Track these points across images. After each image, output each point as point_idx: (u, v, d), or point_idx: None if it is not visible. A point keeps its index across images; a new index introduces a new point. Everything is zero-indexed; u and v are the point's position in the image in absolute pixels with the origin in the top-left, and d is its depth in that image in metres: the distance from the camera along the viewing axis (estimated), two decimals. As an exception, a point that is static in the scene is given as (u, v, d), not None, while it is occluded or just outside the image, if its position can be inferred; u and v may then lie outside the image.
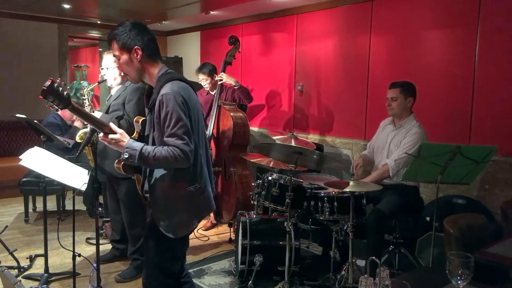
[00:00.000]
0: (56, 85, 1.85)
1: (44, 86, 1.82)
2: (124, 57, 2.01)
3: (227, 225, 4.43)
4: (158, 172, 2.01)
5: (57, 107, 1.89)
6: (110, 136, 1.97)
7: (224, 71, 4.34)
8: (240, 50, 4.48)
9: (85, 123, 3.26)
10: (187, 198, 2.01)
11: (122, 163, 2.01)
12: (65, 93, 1.88)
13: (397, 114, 3.27)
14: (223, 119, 4.22)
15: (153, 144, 1.99)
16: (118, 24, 2.04)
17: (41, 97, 1.83)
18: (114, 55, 2.06)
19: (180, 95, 1.91)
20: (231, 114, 4.15)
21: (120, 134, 1.97)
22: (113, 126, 2.00)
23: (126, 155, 1.92)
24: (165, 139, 1.91)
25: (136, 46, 1.98)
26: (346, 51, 4.45)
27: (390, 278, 1.41)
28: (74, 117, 5.00)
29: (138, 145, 1.93)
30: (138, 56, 1.99)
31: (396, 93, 3.23)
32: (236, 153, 4.14)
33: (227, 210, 4.26)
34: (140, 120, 2.11)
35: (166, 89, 1.92)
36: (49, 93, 1.83)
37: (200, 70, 4.39)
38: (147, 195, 2.09)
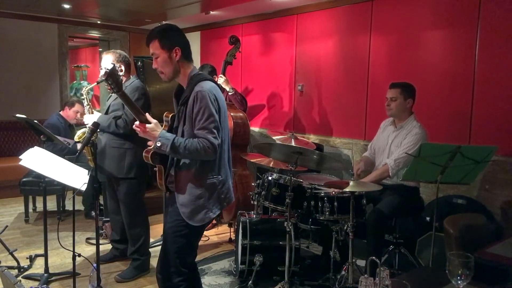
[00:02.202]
0: (116, 70, 2.09)
1: (107, 69, 2.06)
2: (164, 55, 2.15)
3: (227, 225, 4.43)
4: (185, 163, 2.16)
5: (113, 90, 2.09)
6: (146, 125, 2.12)
7: (224, 71, 4.36)
8: (240, 50, 4.49)
9: (86, 123, 3.29)
10: (210, 188, 2.16)
11: (151, 152, 2.17)
12: (119, 79, 2.11)
13: (395, 114, 3.26)
14: None
15: (182, 136, 2.14)
16: (157, 26, 2.21)
17: (104, 77, 2.06)
18: (152, 54, 2.18)
19: (212, 93, 2.10)
20: (231, 113, 4.15)
21: (154, 124, 2.13)
22: (148, 116, 2.16)
23: (158, 143, 2.07)
24: (196, 131, 2.07)
25: (176, 47, 2.14)
26: (346, 51, 4.45)
27: (390, 278, 1.41)
28: (78, 115, 4.99)
29: (171, 135, 2.10)
30: (177, 56, 2.15)
31: (396, 93, 3.22)
32: (236, 153, 4.13)
33: (227, 210, 4.25)
34: (170, 115, 2.27)
35: (200, 87, 2.09)
36: (111, 76, 2.04)
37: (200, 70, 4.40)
38: (171, 185, 2.23)
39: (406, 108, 3.24)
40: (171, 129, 2.24)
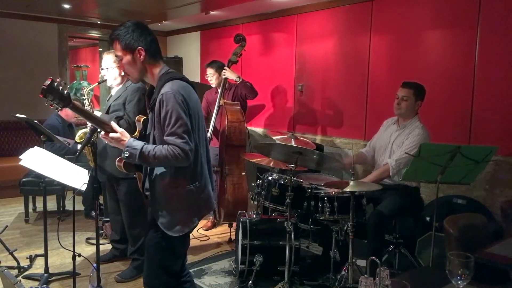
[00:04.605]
0: (56, 84, 1.87)
1: (44, 85, 1.85)
2: (127, 57, 2.02)
3: (227, 225, 4.42)
4: (159, 170, 2.03)
5: (57, 106, 1.91)
6: (111, 135, 2.00)
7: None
8: (245, 49, 4.43)
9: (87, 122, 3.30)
10: (187, 196, 2.03)
11: (123, 161, 2.03)
12: (65, 92, 1.90)
13: (404, 114, 3.24)
14: (223, 119, 4.21)
15: (154, 142, 2.02)
16: (119, 25, 2.05)
17: (41, 95, 1.85)
18: (116, 56, 2.06)
19: (180, 94, 1.93)
20: (228, 114, 4.11)
21: (120, 133, 2.00)
22: (114, 125, 2.02)
23: (126, 153, 1.95)
24: (165, 137, 1.92)
25: (139, 47, 2.00)
26: (346, 51, 4.45)
27: (390, 278, 1.41)
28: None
29: (139, 144, 1.95)
30: (141, 57, 2.01)
31: (409, 93, 3.19)
32: (232, 154, 4.11)
33: (221, 210, 4.22)
34: (142, 119, 2.12)
35: (166, 88, 1.94)
36: (49, 92, 1.86)
37: (209, 64, 4.43)
38: (148, 193, 2.12)
39: (414, 109, 3.23)
40: (145, 135, 2.10)
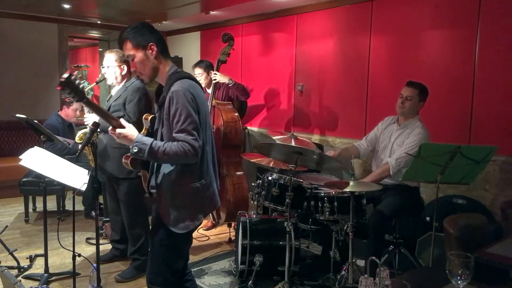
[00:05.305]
0: (73, 77, 1.89)
1: (62, 78, 1.86)
2: (140, 54, 2.04)
3: (227, 225, 4.42)
4: (166, 168, 2.06)
5: (72, 99, 1.94)
6: (118, 130, 2.00)
7: (218, 70, 4.29)
8: (234, 47, 4.41)
9: (86, 123, 3.30)
10: (193, 193, 2.06)
11: (130, 158, 2.04)
12: (80, 86, 1.93)
13: (406, 114, 3.24)
14: (216, 119, 4.19)
15: (161, 140, 2.04)
16: (127, 27, 2.09)
17: (59, 88, 1.86)
18: (128, 56, 2.08)
19: (189, 92, 1.97)
20: (222, 114, 4.11)
21: (128, 128, 2.01)
22: (122, 120, 2.04)
23: (135, 149, 1.95)
24: (174, 134, 1.95)
25: (151, 43, 2.04)
26: (346, 51, 4.45)
27: (390, 278, 1.41)
28: (77, 112, 4.98)
29: (148, 139, 1.97)
30: (154, 52, 2.05)
31: (414, 93, 3.18)
32: (229, 154, 4.10)
33: (221, 210, 4.22)
34: (150, 118, 2.15)
35: (176, 86, 1.97)
36: (67, 85, 1.87)
37: (196, 64, 4.40)
38: (153, 190, 2.14)
39: (417, 110, 3.23)
40: (152, 132, 2.12)
